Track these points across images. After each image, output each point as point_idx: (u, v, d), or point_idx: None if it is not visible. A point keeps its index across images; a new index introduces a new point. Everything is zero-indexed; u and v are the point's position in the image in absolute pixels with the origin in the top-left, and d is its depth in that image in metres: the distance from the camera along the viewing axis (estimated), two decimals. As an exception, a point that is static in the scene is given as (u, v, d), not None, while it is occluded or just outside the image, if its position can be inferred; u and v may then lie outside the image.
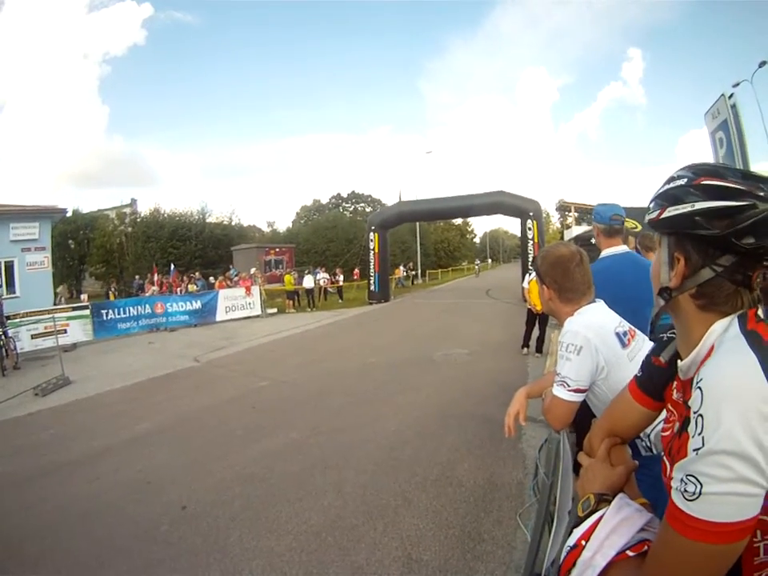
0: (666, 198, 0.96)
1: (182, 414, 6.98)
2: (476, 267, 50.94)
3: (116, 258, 34.43)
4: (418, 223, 38.17)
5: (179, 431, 6.24)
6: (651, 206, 1.00)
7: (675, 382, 1.07)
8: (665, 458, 0.98)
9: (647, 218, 1.01)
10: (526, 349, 9.59)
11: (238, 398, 7.63)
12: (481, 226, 79.30)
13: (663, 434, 1.06)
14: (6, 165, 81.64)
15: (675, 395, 1.05)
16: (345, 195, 58.69)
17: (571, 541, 1.04)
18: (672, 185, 0.96)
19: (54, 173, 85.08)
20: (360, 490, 4.14)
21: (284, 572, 3.10)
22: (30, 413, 7.77)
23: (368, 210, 53.14)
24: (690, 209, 0.90)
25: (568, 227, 38.20)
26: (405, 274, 34.95)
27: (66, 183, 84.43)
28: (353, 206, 58.14)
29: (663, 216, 0.96)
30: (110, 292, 19.86)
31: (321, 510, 3.83)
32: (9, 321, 12.26)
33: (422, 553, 3.16)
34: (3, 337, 11.43)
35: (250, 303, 18.03)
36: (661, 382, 1.17)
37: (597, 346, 1.79)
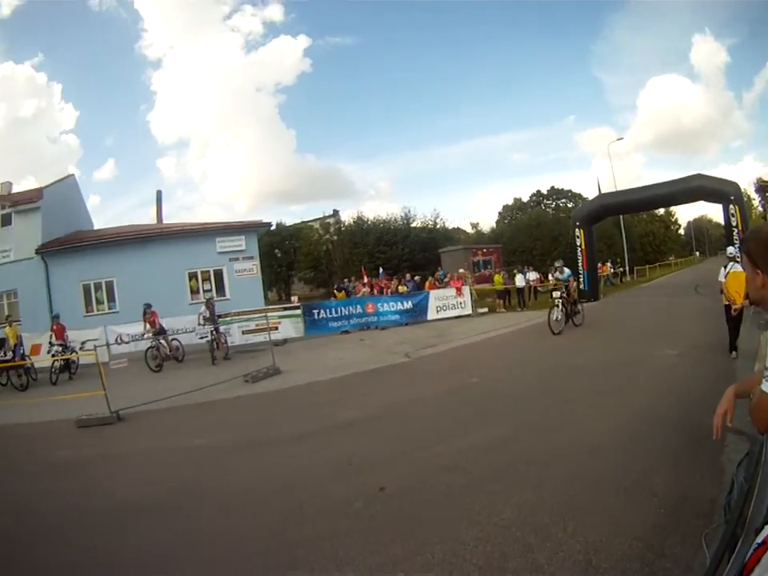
0: None
1: (389, 406, 7.40)
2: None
3: (324, 263, 38.76)
4: (621, 216, 35.53)
5: (385, 421, 6.67)
6: None
7: None
8: None
9: None
10: (734, 352, 8.47)
11: (447, 393, 7.93)
12: (684, 215, 71.38)
13: None
14: (215, 192, 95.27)
15: None
16: (545, 192, 56.72)
17: (760, 538, 1.03)
18: None
19: (257, 193, 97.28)
20: (557, 490, 4.17)
21: (464, 558, 3.22)
22: (239, 396, 9.10)
23: (569, 205, 50.85)
24: None
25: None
26: (612, 270, 32.58)
27: (269, 201, 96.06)
28: (554, 203, 55.93)
29: None
30: (336, 291, 21.29)
31: (515, 506, 3.92)
32: (220, 319, 14.95)
33: (602, 560, 3.11)
34: (215, 332, 13.98)
35: (461, 303, 18.85)
36: None
37: None
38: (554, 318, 12.70)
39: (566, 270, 14.01)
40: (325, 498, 4.34)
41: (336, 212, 43.86)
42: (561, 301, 12.85)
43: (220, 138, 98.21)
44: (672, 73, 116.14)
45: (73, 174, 29.51)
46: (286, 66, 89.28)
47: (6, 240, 22.14)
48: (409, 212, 39.44)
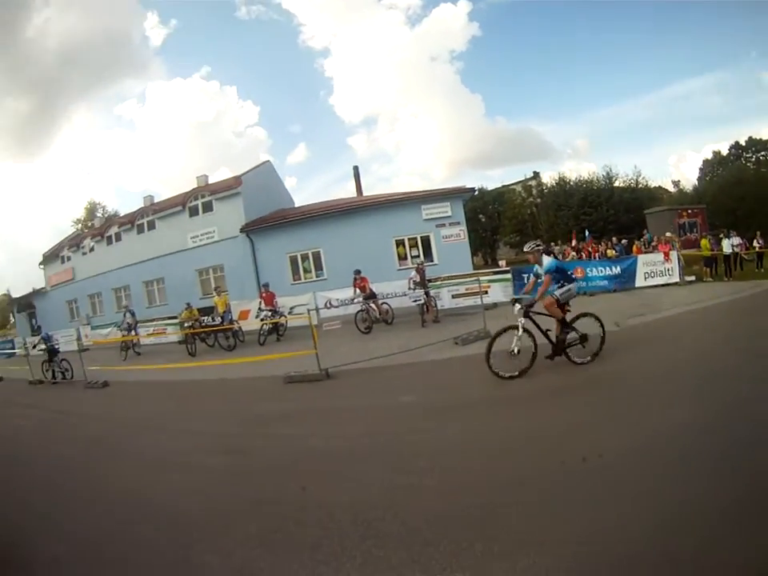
0: None
1: (594, 376, 7.12)
2: None
3: (528, 227, 38.53)
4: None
5: (589, 391, 6.46)
6: None
7: None
8: None
9: None
10: None
11: (653, 367, 7.31)
12: None
13: None
14: (410, 162, 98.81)
15: None
16: (742, 143, 49.51)
17: None
18: None
19: (452, 161, 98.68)
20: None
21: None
22: (449, 357, 9.32)
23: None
24: None
25: None
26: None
27: (465, 168, 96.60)
28: (753, 156, 48.56)
29: None
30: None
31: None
32: (430, 283, 15.39)
33: None
34: (425, 296, 14.26)
35: (668, 269, 17.31)
36: None
37: None
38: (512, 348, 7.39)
39: (546, 260, 7.96)
40: (542, 458, 4.31)
41: (536, 174, 43.08)
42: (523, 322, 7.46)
43: (407, 111, 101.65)
44: None
45: (268, 160, 33.32)
46: (455, 33, 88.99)
47: (210, 223, 26.52)
48: (610, 171, 37.77)
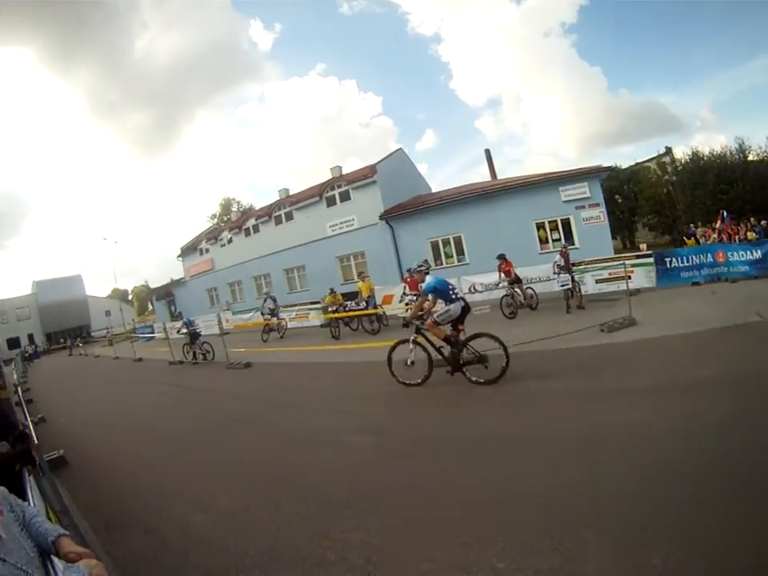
0: None
1: (743, 371, 6.67)
2: None
3: (666, 207, 36.50)
4: None
5: (741, 386, 6.05)
6: None
7: None
8: None
9: None
10: None
11: None
12: None
13: None
14: (540, 142, 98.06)
15: None
16: None
17: None
18: None
19: (581, 138, 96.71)
20: None
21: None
22: (596, 344, 9.50)
23: None
24: None
25: None
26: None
27: (595, 145, 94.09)
28: None
29: None
30: (685, 238, 19.82)
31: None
32: (574, 267, 15.48)
33: None
34: (571, 281, 14.46)
35: None
36: None
37: None
38: (406, 360, 8.53)
39: (428, 279, 8.50)
40: (688, 454, 4.32)
41: (669, 149, 40.50)
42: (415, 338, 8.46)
43: (529, 90, 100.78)
44: None
45: (401, 148, 34.49)
46: (562, 5, 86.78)
47: (348, 212, 28.28)
48: (742, 143, 34.58)
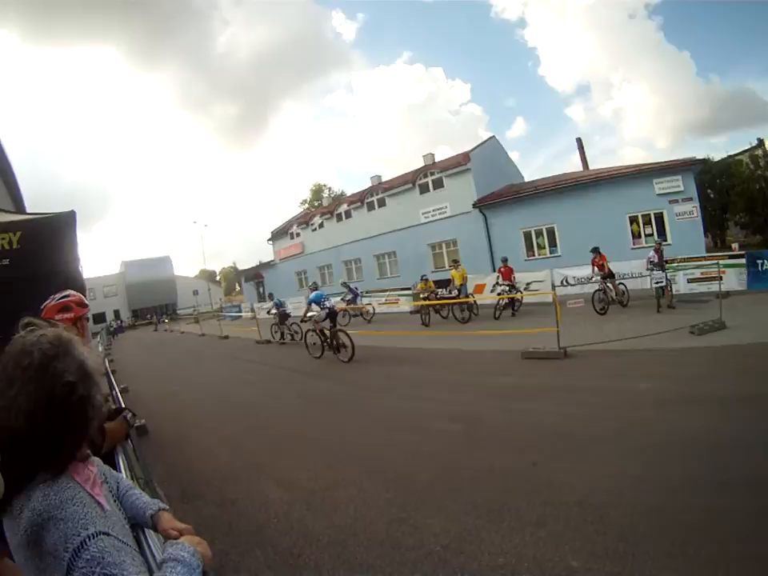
0: None
1: None
2: None
3: (759, 204, 35.34)
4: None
5: None
6: None
7: None
8: None
9: None
10: None
11: None
12: None
13: None
14: (631, 132, 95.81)
15: None
16: None
17: None
18: None
19: (672, 128, 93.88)
20: None
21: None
22: (685, 347, 9.42)
23: None
24: None
25: None
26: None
27: (686, 135, 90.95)
28: None
29: None
30: None
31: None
32: (667, 264, 15.37)
33: None
34: (663, 279, 14.39)
35: None
36: None
37: None
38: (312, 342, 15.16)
39: (312, 294, 14.65)
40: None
41: (761, 141, 39.10)
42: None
43: (618, 76, 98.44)
44: None
45: (494, 136, 34.66)
46: None
47: (442, 199, 28.88)
48: None
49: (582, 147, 37.57)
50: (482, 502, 4.40)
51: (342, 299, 23.22)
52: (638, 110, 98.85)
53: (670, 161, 23.16)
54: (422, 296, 19.68)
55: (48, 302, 3.13)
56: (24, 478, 1.35)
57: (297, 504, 4.89)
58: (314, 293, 14.18)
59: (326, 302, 13.59)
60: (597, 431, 5.73)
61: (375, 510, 4.53)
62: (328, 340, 13.70)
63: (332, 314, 13.45)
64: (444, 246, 29.80)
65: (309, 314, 14.16)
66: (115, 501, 1.69)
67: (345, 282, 25.43)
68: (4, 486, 1.34)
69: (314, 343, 14.37)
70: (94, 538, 1.26)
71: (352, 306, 22.67)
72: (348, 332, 13.25)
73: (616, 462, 4.84)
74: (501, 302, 17.03)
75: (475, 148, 30.26)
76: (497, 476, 4.89)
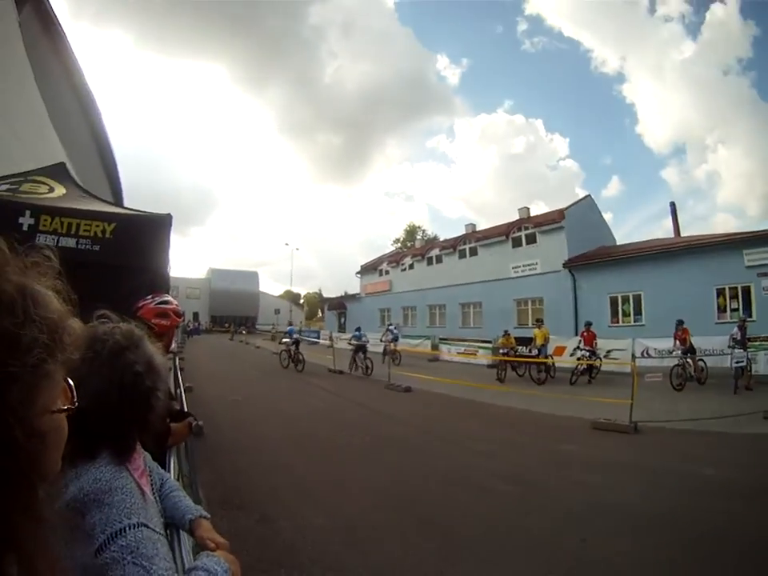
0: None
1: None
2: None
3: None
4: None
5: None
6: None
7: None
8: None
9: None
10: None
11: None
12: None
13: None
14: (724, 197, 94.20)
15: None
16: None
17: None
18: None
19: (765, 194, 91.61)
20: None
21: None
22: (758, 433, 9.41)
23: None
24: None
25: None
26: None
27: None
28: None
29: None
30: None
31: None
32: (749, 343, 15.33)
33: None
34: (744, 359, 14.16)
35: None
36: None
37: None
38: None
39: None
40: None
41: None
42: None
43: (714, 137, 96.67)
44: None
45: (589, 195, 35.19)
46: (735, 35, 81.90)
47: (533, 255, 29.46)
48: None
49: (675, 212, 37.06)
50: (525, 568, 4.45)
51: (380, 339, 25.43)
52: (731, 174, 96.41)
53: (760, 231, 21.90)
54: (501, 351, 19.81)
55: (146, 301, 3.25)
56: (83, 454, 1.38)
57: (336, 536, 5.03)
58: (290, 328, 24.51)
59: (294, 336, 22.25)
60: (653, 514, 5.60)
61: (413, 558, 4.57)
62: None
63: (296, 342, 21.95)
64: (530, 302, 30.20)
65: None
66: (154, 495, 1.70)
67: (390, 324, 27.46)
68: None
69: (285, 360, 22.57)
70: (134, 528, 1.29)
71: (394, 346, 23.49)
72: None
73: (667, 550, 4.70)
74: (579, 367, 17.12)
75: (571, 206, 30.80)
76: (543, 547, 4.86)
